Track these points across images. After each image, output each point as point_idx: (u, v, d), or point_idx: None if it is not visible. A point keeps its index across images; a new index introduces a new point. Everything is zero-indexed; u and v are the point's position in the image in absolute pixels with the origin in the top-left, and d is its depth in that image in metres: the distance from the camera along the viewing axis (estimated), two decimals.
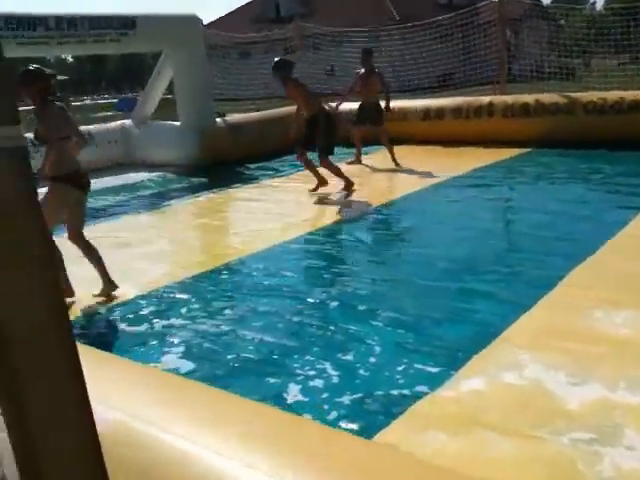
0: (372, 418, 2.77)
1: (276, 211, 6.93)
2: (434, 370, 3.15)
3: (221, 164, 9.91)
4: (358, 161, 9.38)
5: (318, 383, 3.11)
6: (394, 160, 8.93)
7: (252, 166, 10.03)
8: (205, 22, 12.50)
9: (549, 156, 8.92)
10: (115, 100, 37.33)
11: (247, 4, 40.11)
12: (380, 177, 8.54)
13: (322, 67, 18.73)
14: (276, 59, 7.41)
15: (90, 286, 4.71)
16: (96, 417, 1.17)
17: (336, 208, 6.80)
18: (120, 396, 1.68)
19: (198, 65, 10.62)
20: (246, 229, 6.19)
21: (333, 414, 2.82)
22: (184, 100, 10.69)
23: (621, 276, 4.12)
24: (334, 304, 4.11)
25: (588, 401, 2.71)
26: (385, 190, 7.64)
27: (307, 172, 7.64)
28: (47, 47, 9.22)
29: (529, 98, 10.23)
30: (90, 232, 6.44)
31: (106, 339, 3.80)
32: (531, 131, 9.81)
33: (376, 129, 9.11)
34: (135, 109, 12.12)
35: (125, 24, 9.75)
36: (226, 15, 39.47)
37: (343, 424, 2.74)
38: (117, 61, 77.30)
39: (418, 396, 2.90)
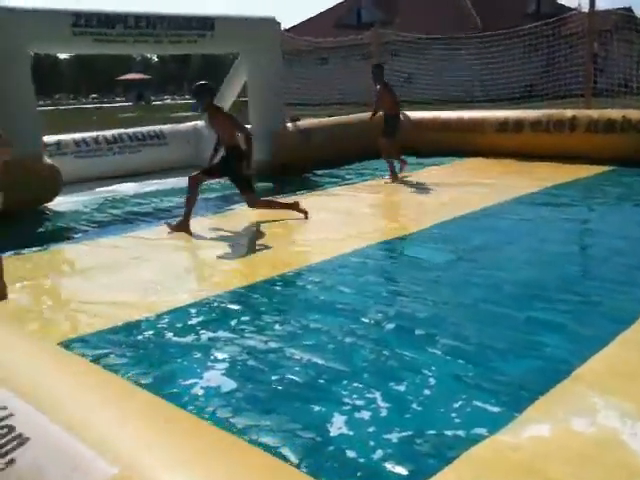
0: (422, 461, 2.50)
1: (337, 221, 6.73)
2: (494, 410, 2.86)
3: (289, 169, 9.79)
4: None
5: (365, 415, 2.87)
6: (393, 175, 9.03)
7: (319, 172, 9.88)
8: (287, 26, 12.51)
9: (633, 176, 8.36)
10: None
11: (329, 10, 40.25)
12: (446, 191, 8.18)
13: (400, 74, 18.47)
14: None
15: (141, 291, 4.64)
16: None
17: (399, 221, 6.54)
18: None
19: (273, 68, 10.56)
20: (305, 238, 6.01)
21: (379, 453, 2.57)
22: (256, 103, 10.65)
23: None
24: (390, 326, 3.86)
25: None
26: (452, 205, 7.30)
27: (373, 182, 7.42)
28: (124, 45, 9.34)
29: (616, 114, 9.67)
30: (150, 234, 6.48)
31: (149, 348, 3.67)
32: (616, 148, 9.25)
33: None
34: None
35: (204, 25, 9.79)
36: (308, 20, 39.67)
37: (389, 466, 2.49)
38: (199, 62, 79.26)
39: (475, 439, 2.61)
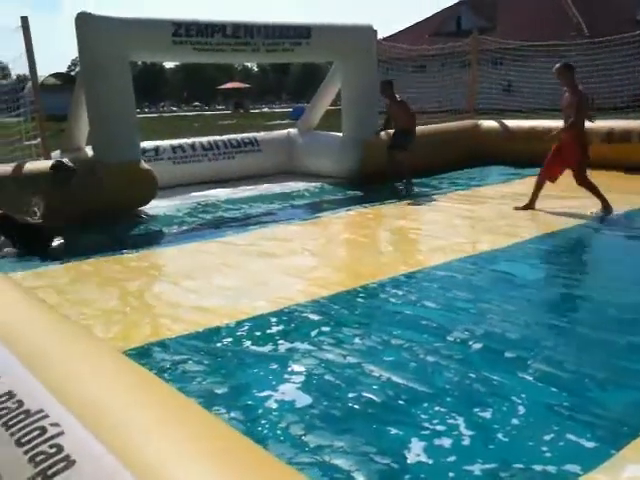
0: None
1: (426, 232, 6.53)
2: (590, 445, 2.59)
3: (380, 178, 9.64)
4: None
5: (446, 443, 2.66)
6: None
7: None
8: (384, 35, 12.41)
9: None
10: (290, 109, 38.72)
11: (426, 19, 39.85)
12: (545, 203, 7.72)
13: (500, 83, 17.91)
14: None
15: (224, 297, 4.63)
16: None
17: (491, 234, 6.23)
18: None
19: (367, 77, 10.45)
20: (391, 249, 5.85)
21: None
22: (349, 111, 10.58)
23: None
24: (477, 346, 3.62)
25: None
26: (551, 218, 6.88)
27: (464, 192, 7.14)
28: (222, 54, 9.51)
29: None
30: (238, 240, 6.51)
31: (227, 356, 3.62)
32: None
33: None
34: (301, 118, 12.26)
35: (300, 34, 9.82)
36: (404, 30, 39.42)
37: None
38: (298, 71, 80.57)
39: (566, 477, 2.37)
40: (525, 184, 9.02)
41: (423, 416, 2.87)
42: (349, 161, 10.16)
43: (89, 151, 8.74)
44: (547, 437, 2.66)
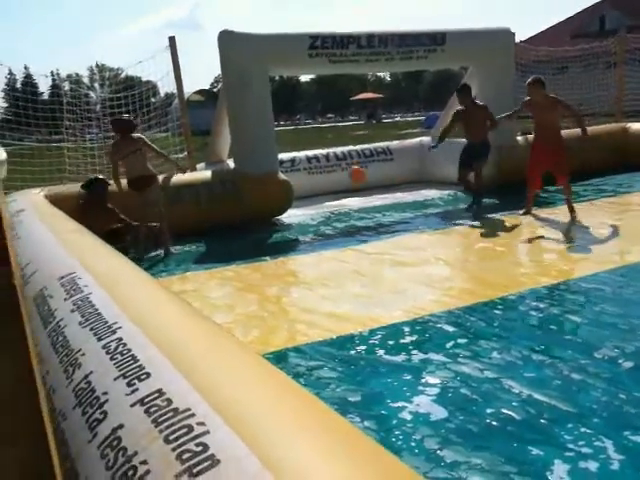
0: None
1: (568, 241, 6.17)
2: None
3: (519, 185, 9.26)
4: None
5: (592, 466, 2.49)
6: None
7: (551, 189, 9.19)
8: (522, 38, 11.99)
9: None
10: (423, 117, 38.36)
11: (568, 19, 38.02)
12: None
13: None
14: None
15: (357, 304, 4.65)
16: None
17: None
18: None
19: (503, 81, 10.14)
20: (530, 259, 5.59)
21: None
22: None
23: None
24: (628, 364, 3.35)
25: None
26: None
27: (611, 199, 6.67)
28: (357, 65, 9.62)
29: None
30: (370, 248, 6.53)
31: (360, 364, 3.62)
32: None
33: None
34: (435, 126, 12.09)
35: (435, 40, 9.73)
36: (544, 31, 37.84)
37: None
38: (431, 79, 79.75)
39: None
40: None
41: (567, 437, 2.70)
42: (487, 167, 9.85)
43: (231, 163, 9.17)
44: None
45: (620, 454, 2.55)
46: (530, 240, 6.50)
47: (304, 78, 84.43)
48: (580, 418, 2.84)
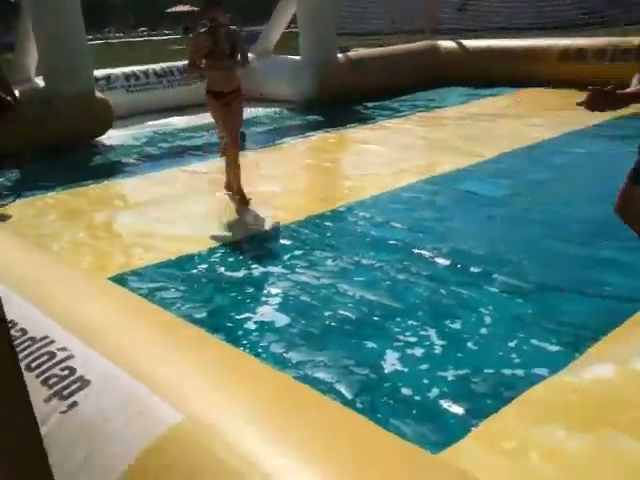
0: (479, 401, 2.45)
1: (390, 155, 6.55)
2: (554, 350, 2.77)
3: (340, 101, 9.54)
4: None
5: (419, 352, 2.81)
6: None
7: (370, 105, 9.59)
8: None
9: None
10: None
11: None
12: (503, 123, 7.78)
13: (452, 2, 17.57)
14: None
15: (194, 225, 4.64)
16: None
17: (452, 154, 6.29)
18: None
19: None
20: (356, 173, 5.88)
21: (434, 391, 2.53)
22: (306, 33, 10.28)
23: None
24: (445, 263, 3.75)
25: None
26: (509, 137, 6.96)
27: (427, 114, 7.15)
28: None
29: None
30: (202, 167, 6.45)
31: (202, 282, 3.68)
32: None
33: None
34: (257, 42, 11.91)
35: None
36: None
37: (445, 404, 2.45)
38: None
39: (533, 380, 2.54)
40: (484, 104, 9.11)
41: (397, 329, 3.01)
42: (307, 85, 10.00)
43: (40, 82, 8.39)
44: (513, 344, 2.82)
45: (442, 340, 2.90)
46: (355, 155, 6.75)
47: None
48: (407, 312, 3.16)
